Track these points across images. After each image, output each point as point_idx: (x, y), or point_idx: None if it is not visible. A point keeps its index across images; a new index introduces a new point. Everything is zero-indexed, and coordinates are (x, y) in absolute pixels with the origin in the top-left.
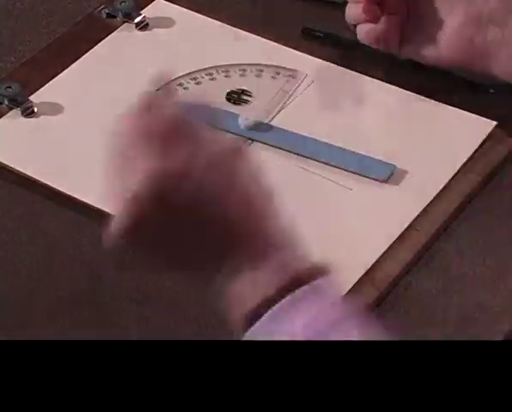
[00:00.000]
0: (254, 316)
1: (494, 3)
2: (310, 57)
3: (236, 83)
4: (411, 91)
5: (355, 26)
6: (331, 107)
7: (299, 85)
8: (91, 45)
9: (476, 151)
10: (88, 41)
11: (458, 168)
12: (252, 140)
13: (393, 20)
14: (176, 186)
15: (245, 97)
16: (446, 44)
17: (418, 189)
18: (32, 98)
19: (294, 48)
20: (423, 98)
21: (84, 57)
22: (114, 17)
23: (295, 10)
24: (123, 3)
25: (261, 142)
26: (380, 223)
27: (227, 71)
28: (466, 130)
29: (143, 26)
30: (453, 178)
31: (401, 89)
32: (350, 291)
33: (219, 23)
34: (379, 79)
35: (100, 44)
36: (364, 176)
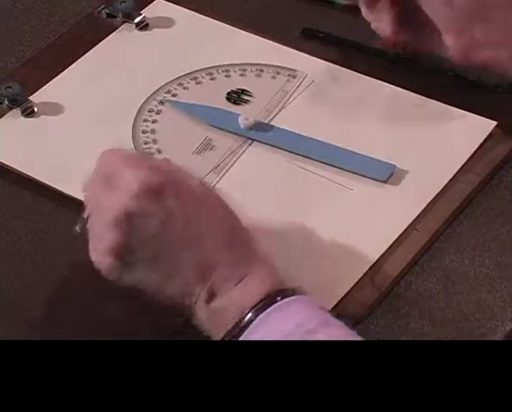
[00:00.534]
0: (243, 326)
1: None
2: (310, 57)
3: (236, 83)
4: (411, 91)
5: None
6: (331, 107)
7: (299, 85)
8: (91, 45)
9: (476, 151)
10: (88, 41)
11: (458, 168)
12: (253, 140)
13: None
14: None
15: (245, 97)
16: None
17: (418, 189)
18: (32, 98)
19: (294, 48)
20: (422, 98)
21: (84, 57)
22: (114, 17)
23: (295, 10)
24: (123, 3)
25: (261, 142)
26: (381, 223)
27: (227, 71)
28: (466, 130)
29: (143, 26)
30: (453, 178)
31: (401, 89)
32: (350, 291)
33: (219, 23)
34: (379, 79)
35: (100, 44)
36: (364, 176)
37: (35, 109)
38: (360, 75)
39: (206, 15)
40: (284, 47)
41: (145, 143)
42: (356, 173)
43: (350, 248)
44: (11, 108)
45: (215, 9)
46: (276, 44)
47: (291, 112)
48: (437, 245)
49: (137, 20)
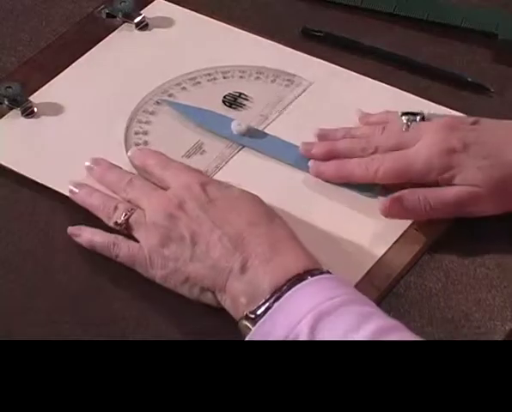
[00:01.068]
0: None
1: None
2: (310, 57)
3: (235, 86)
4: (410, 92)
5: None
6: (327, 114)
7: (297, 90)
8: (91, 45)
9: None
10: (88, 41)
11: None
12: (244, 146)
13: None
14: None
15: (241, 101)
16: None
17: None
18: (32, 98)
19: (294, 48)
20: (422, 99)
21: (84, 57)
22: (114, 17)
23: (295, 10)
24: (123, 3)
25: (252, 149)
26: (381, 223)
27: (226, 72)
28: None
29: (142, 26)
30: None
31: (400, 90)
32: None
33: (219, 23)
34: (378, 80)
35: (100, 44)
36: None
37: (35, 109)
38: (359, 75)
39: (206, 15)
40: (284, 47)
41: (136, 145)
42: (348, 189)
43: (350, 248)
44: (11, 108)
45: (215, 9)
46: (275, 44)
47: (287, 118)
48: (437, 244)
49: (136, 20)
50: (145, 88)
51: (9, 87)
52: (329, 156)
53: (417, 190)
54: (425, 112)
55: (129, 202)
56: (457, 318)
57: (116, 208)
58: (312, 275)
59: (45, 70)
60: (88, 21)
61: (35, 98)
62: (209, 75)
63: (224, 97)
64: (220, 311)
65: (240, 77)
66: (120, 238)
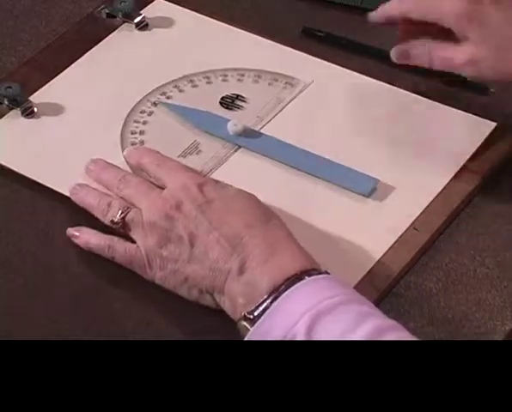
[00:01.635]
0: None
1: None
2: (310, 56)
3: (232, 88)
4: (410, 92)
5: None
6: (324, 115)
7: (295, 93)
8: (91, 45)
9: (476, 151)
10: (88, 41)
11: (458, 168)
12: (240, 146)
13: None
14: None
15: (238, 102)
16: None
17: (419, 189)
18: (32, 98)
19: (294, 48)
20: (422, 98)
21: (84, 57)
22: (114, 17)
23: (295, 10)
24: (123, 3)
25: (248, 149)
26: (380, 224)
27: (224, 75)
28: (466, 131)
29: (142, 26)
30: (453, 178)
31: (401, 90)
32: None
33: (219, 23)
34: (378, 79)
35: (100, 44)
36: (348, 189)
37: (35, 109)
38: (360, 75)
39: (206, 15)
40: (284, 47)
41: (132, 144)
42: (341, 186)
43: (350, 249)
44: (11, 108)
45: (215, 9)
46: (275, 44)
47: (283, 119)
48: (437, 244)
49: (136, 20)
50: (145, 89)
51: (9, 87)
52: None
53: (427, 42)
54: None
55: (123, 199)
56: (457, 318)
57: (110, 204)
58: (309, 275)
59: (45, 70)
60: (88, 21)
61: (35, 98)
62: (207, 77)
63: (222, 99)
64: (219, 311)
65: (239, 80)
66: (116, 239)
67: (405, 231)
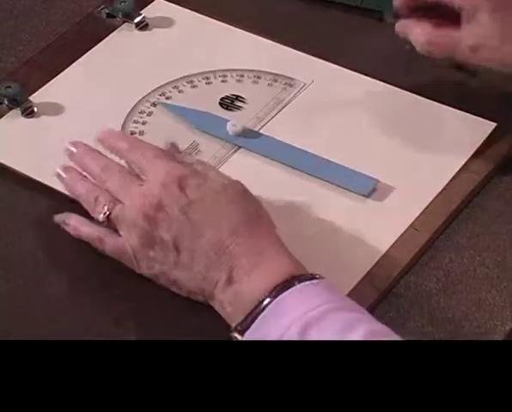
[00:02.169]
0: (261, 309)
1: None
2: (310, 57)
3: (232, 89)
4: (410, 92)
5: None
6: (323, 114)
7: (294, 94)
8: (91, 45)
9: (476, 151)
10: (88, 41)
11: (458, 168)
12: (239, 146)
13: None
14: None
15: (238, 103)
16: None
17: (419, 189)
18: (32, 98)
19: (294, 48)
20: (422, 98)
21: (84, 57)
22: (114, 17)
23: (295, 10)
24: (123, 3)
25: (248, 149)
26: (380, 224)
27: (224, 76)
28: (466, 131)
29: (142, 26)
30: (453, 178)
31: (401, 90)
32: (350, 291)
33: (219, 23)
34: (378, 79)
35: (100, 44)
36: (347, 189)
37: (35, 109)
38: (360, 75)
39: (206, 15)
40: (284, 47)
41: None
42: (341, 186)
43: (350, 249)
44: (11, 108)
45: (215, 9)
46: (275, 44)
47: (282, 120)
48: (437, 244)
49: (136, 20)
50: (144, 89)
51: (9, 87)
52: None
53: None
54: None
55: (107, 191)
56: (457, 318)
57: (96, 199)
58: (299, 281)
59: (45, 70)
60: (88, 21)
61: (35, 98)
62: (206, 77)
63: (221, 99)
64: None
65: (238, 81)
66: (107, 232)
67: (405, 231)
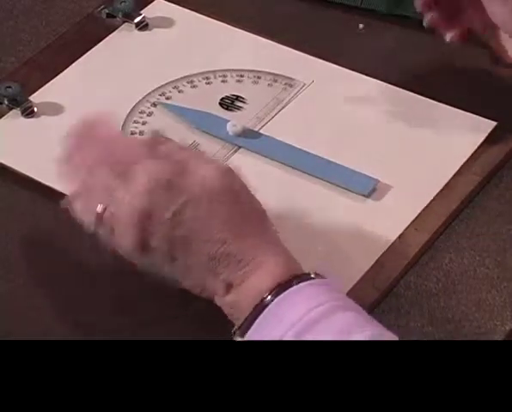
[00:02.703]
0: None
1: None
2: (310, 57)
3: (232, 89)
4: (410, 91)
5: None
6: (324, 114)
7: (295, 94)
8: (91, 45)
9: (476, 151)
10: (88, 41)
11: (458, 168)
12: (239, 147)
13: None
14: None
15: (238, 103)
16: None
17: (418, 189)
18: (32, 98)
19: (294, 48)
20: (422, 98)
21: (84, 57)
22: (114, 17)
23: (295, 10)
24: (123, 3)
25: (248, 149)
26: (380, 224)
27: (224, 76)
28: (466, 130)
29: (142, 26)
30: (453, 178)
31: (401, 89)
32: (350, 291)
33: (219, 23)
34: (378, 79)
35: (100, 44)
36: (347, 190)
37: (35, 109)
38: (360, 75)
39: (206, 15)
40: (284, 47)
41: None
42: (340, 186)
43: (350, 249)
44: (11, 108)
45: (215, 9)
46: (275, 44)
47: (282, 120)
48: (437, 245)
49: (136, 20)
50: (144, 89)
51: (9, 87)
52: None
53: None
54: None
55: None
56: (457, 318)
57: (87, 201)
58: (297, 282)
59: (45, 70)
60: (88, 21)
61: (35, 98)
62: (206, 78)
63: (221, 99)
64: (218, 311)
65: (238, 81)
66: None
67: (405, 231)
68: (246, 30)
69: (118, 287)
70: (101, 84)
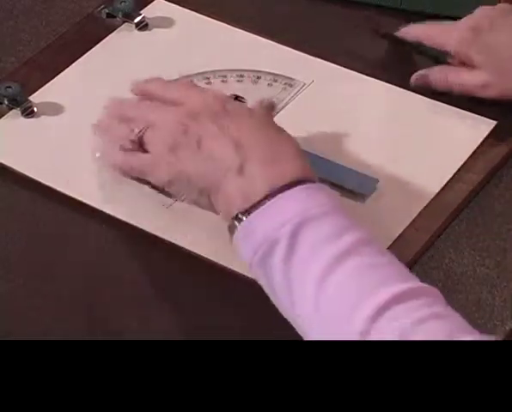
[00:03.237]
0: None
1: None
2: (310, 57)
3: (232, 89)
4: (410, 91)
5: None
6: (324, 113)
7: (293, 93)
8: (91, 45)
9: (476, 151)
10: (88, 41)
11: (458, 168)
12: None
13: None
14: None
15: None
16: None
17: (419, 189)
18: (32, 98)
19: (294, 48)
20: (423, 98)
21: (84, 57)
22: (114, 17)
23: (296, 10)
24: (123, 3)
25: None
26: (380, 223)
27: (224, 76)
28: (466, 130)
29: (142, 26)
30: (453, 178)
31: (401, 89)
32: None
33: (219, 23)
34: (378, 79)
35: (100, 44)
36: (349, 190)
37: (35, 109)
38: (360, 75)
39: (206, 15)
40: (284, 47)
41: None
42: (339, 186)
43: None
44: (11, 108)
45: (215, 9)
46: (275, 44)
47: (282, 120)
48: (437, 244)
49: (136, 20)
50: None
51: (9, 87)
52: None
53: (444, 68)
54: None
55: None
56: None
57: (127, 128)
58: (305, 183)
59: (45, 70)
60: (88, 21)
61: (35, 98)
62: (206, 78)
63: None
64: (219, 311)
65: (238, 81)
66: (130, 153)
67: (405, 231)
68: (246, 30)
69: (118, 287)
70: (101, 84)
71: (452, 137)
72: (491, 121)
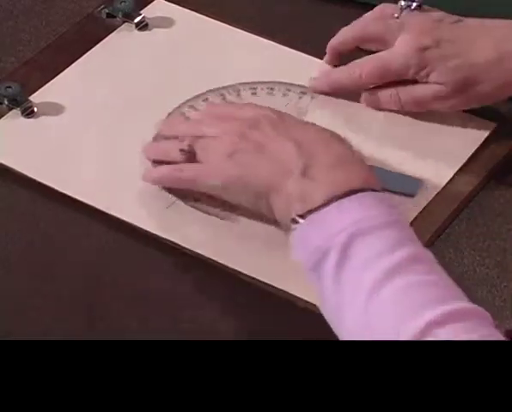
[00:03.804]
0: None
1: None
2: (310, 57)
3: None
4: None
5: None
6: (328, 111)
7: (311, 100)
8: (91, 45)
9: (476, 151)
10: (88, 41)
11: (458, 168)
12: None
13: None
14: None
15: None
16: None
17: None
18: (32, 98)
19: (294, 48)
20: None
21: (84, 57)
22: (114, 17)
23: (296, 10)
24: (123, 3)
25: None
26: None
27: (238, 91)
28: (466, 131)
29: (142, 26)
30: (453, 178)
31: None
32: None
33: (219, 23)
34: None
35: (100, 44)
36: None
37: (35, 109)
38: None
39: (206, 15)
40: (284, 47)
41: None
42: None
43: None
44: (11, 108)
45: (215, 9)
46: (275, 44)
47: None
48: (437, 244)
49: (136, 20)
50: (145, 88)
51: (9, 87)
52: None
53: (392, 88)
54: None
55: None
56: None
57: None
58: (366, 191)
59: (45, 70)
60: (88, 21)
61: (35, 98)
62: (221, 94)
63: None
64: (220, 311)
65: (252, 94)
66: (182, 164)
67: None
68: (246, 30)
69: (118, 287)
70: (101, 84)
71: (452, 138)
72: (491, 123)
